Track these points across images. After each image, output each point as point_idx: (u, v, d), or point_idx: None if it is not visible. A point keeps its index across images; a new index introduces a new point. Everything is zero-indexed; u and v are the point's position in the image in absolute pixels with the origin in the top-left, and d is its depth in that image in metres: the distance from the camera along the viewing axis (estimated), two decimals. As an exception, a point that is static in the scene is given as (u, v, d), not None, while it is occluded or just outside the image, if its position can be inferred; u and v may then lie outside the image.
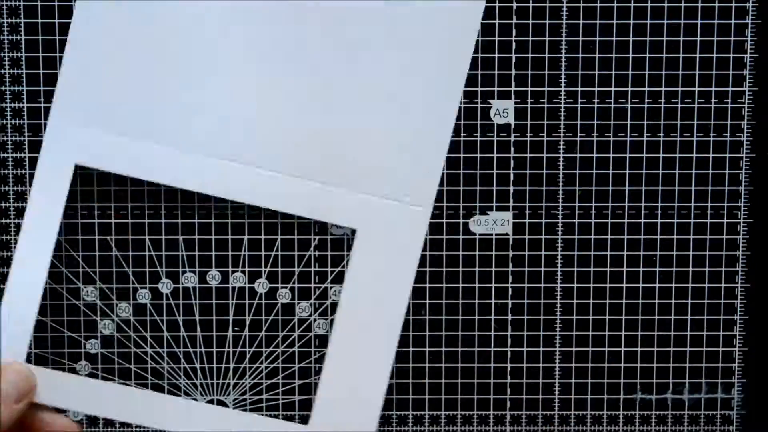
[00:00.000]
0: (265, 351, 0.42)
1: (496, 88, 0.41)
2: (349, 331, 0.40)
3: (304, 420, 0.42)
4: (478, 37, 0.40)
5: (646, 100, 0.41)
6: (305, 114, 0.39)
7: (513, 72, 0.41)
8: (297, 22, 0.39)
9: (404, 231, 0.40)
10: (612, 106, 0.41)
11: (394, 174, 0.39)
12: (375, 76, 0.39)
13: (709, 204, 0.42)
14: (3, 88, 0.41)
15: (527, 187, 0.41)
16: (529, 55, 0.41)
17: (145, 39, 0.39)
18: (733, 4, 0.41)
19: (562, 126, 0.41)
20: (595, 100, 0.41)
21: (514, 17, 0.41)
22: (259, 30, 0.39)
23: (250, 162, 0.39)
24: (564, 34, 0.41)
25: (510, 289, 0.42)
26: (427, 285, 0.41)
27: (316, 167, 0.39)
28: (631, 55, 0.41)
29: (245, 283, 0.41)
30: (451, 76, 0.40)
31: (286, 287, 0.42)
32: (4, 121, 0.41)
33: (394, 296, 0.39)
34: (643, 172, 0.41)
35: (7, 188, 0.41)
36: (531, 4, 0.41)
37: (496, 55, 0.41)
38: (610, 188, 0.41)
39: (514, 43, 0.41)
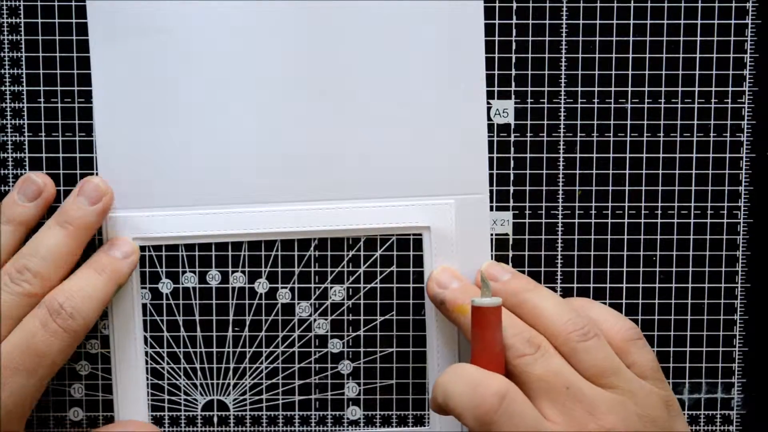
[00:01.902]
0: (265, 351, 0.42)
1: (496, 88, 0.41)
2: (445, 327, 0.41)
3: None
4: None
5: (646, 100, 0.41)
6: (350, 139, 0.41)
7: (513, 72, 0.41)
8: (309, 50, 0.40)
9: (473, 220, 0.41)
10: (612, 106, 0.41)
11: (449, 172, 0.41)
12: (397, 84, 0.40)
13: (709, 204, 0.42)
14: (3, 88, 0.41)
15: (527, 187, 0.41)
16: (529, 55, 0.41)
17: (165, 114, 0.40)
18: (733, 4, 0.41)
19: (562, 126, 0.41)
20: (595, 100, 0.41)
21: (514, 17, 0.41)
22: (272, 64, 0.40)
23: (317, 198, 0.41)
24: (564, 34, 0.41)
25: (510, 289, 0.42)
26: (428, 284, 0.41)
27: (373, 184, 0.41)
28: (631, 55, 0.41)
29: (245, 283, 0.41)
30: (467, 63, 0.40)
31: (286, 287, 0.42)
32: (4, 121, 0.41)
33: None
34: (643, 172, 0.41)
35: (7, 188, 0.41)
36: (531, 4, 0.41)
37: (496, 55, 0.41)
38: (610, 188, 0.41)
39: (514, 43, 0.41)
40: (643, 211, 0.42)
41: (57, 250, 0.38)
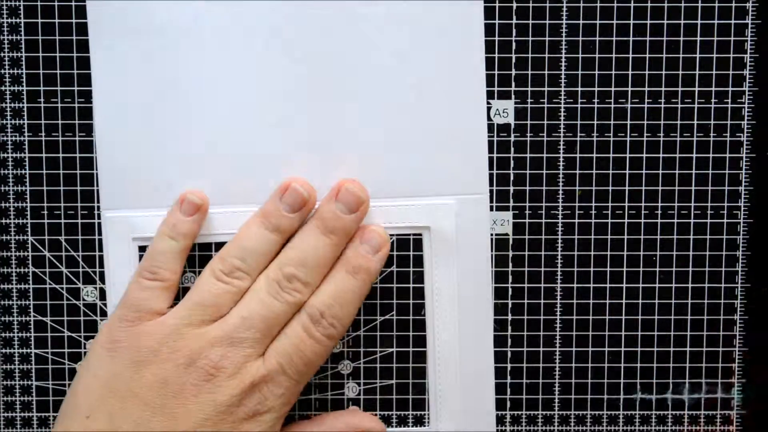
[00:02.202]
0: (265, 351, 0.42)
1: (496, 88, 0.41)
2: (445, 327, 0.41)
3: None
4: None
5: (646, 100, 0.41)
6: (349, 140, 0.40)
7: (513, 72, 0.41)
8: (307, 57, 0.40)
9: (473, 220, 0.41)
10: (612, 106, 0.41)
11: (449, 172, 0.41)
12: (397, 84, 0.40)
13: (709, 204, 0.42)
14: (3, 88, 0.41)
15: (527, 187, 0.41)
16: (529, 55, 0.41)
17: (165, 114, 0.40)
18: (733, 4, 0.41)
19: (562, 126, 0.41)
20: (595, 100, 0.41)
21: (514, 17, 0.41)
22: (272, 65, 0.40)
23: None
24: (564, 34, 0.41)
25: (510, 289, 0.42)
26: (427, 285, 0.41)
27: (373, 184, 0.40)
28: (631, 55, 0.41)
29: (245, 283, 0.41)
30: (467, 63, 0.40)
31: (286, 287, 0.41)
32: (4, 121, 0.41)
33: (479, 283, 0.41)
34: (643, 172, 0.41)
35: (7, 188, 0.41)
36: (531, 4, 0.41)
37: (496, 55, 0.41)
38: (610, 188, 0.41)
39: (514, 43, 0.41)
40: (643, 211, 0.42)
41: (323, 260, 0.38)
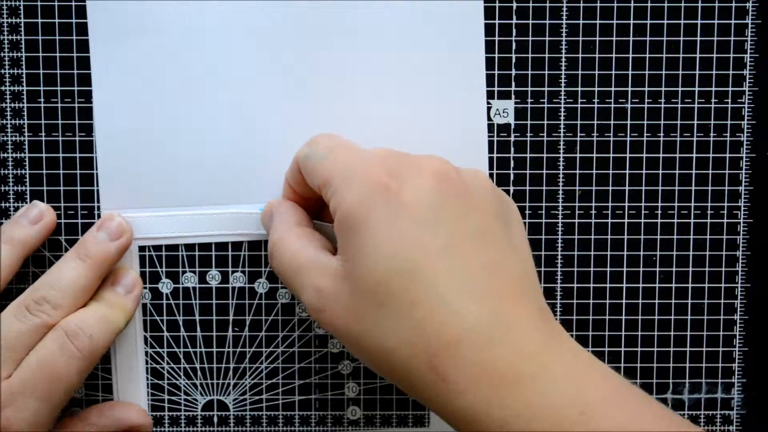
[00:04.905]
0: (265, 351, 0.42)
1: (496, 88, 0.41)
2: None
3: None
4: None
5: (646, 100, 0.41)
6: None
7: (513, 72, 0.41)
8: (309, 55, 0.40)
9: None
10: (612, 106, 0.41)
11: None
12: (396, 84, 0.40)
13: (709, 204, 0.42)
14: (3, 88, 0.41)
15: (527, 187, 0.41)
16: (529, 55, 0.41)
17: (165, 114, 0.40)
18: (733, 4, 0.41)
19: (562, 126, 0.41)
20: (595, 100, 0.41)
21: (514, 17, 0.41)
22: (271, 65, 0.40)
23: None
24: (564, 34, 0.41)
25: (510, 289, 0.42)
26: (427, 285, 0.41)
27: None
28: (631, 55, 0.41)
29: (245, 283, 0.41)
30: (467, 63, 0.40)
31: (286, 287, 0.42)
32: (4, 121, 0.41)
33: None
34: (643, 172, 0.41)
35: (7, 188, 0.41)
36: (531, 4, 0.41)
37: (496, 55, 0.41)
38: (610, 188, 0.41)
39: (514, 43, 0.41)
40: (643, 211, 0.42)
41: (75, 282, 0.38)
